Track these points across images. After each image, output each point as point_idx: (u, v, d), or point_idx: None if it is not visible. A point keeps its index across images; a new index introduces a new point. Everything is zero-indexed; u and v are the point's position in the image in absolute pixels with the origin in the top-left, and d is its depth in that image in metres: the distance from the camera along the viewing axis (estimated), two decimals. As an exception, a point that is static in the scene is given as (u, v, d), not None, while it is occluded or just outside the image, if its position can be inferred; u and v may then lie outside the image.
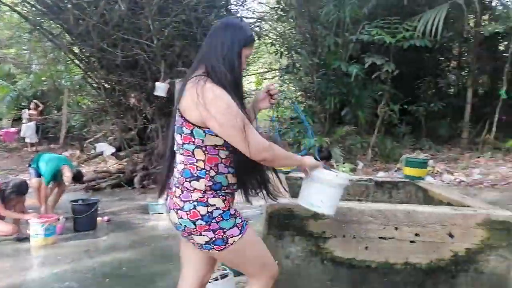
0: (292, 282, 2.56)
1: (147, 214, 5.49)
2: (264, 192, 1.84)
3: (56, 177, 4.90)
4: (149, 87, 7.28)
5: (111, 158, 8.07)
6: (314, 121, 8.68)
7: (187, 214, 1.54)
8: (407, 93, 9.44)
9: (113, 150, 7.48)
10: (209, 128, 1.54)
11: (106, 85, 8.09)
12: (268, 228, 2.56)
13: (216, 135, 1.55)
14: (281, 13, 7.94)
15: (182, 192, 1.57)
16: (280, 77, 8.58)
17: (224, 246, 1.59)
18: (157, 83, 6.87)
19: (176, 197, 1.58)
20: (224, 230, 1.58)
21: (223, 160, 1.61)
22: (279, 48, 8.69)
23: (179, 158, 1.62)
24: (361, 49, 7.75)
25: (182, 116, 1.56)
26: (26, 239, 4.19)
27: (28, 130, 8.55)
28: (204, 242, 1.58)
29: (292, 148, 8.11)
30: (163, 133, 7.98)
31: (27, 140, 9.90)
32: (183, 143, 1.58)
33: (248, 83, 11.52)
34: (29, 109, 10.28)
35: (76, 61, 8.00)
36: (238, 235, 1.62)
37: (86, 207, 4.69)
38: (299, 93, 9.85)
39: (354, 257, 2.49)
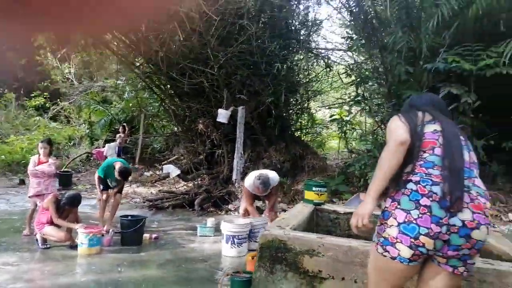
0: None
1: (195, 236, 5.58)
2: None
3: (108, 174, 5.28)
4: (215, 114, 7.56)
5: (178, 180, 8.45)
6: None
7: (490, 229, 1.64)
8: (497, 127, 8.36)
9: (178, 172, 7.83)
10: None
11: (178, 111, 8.60)
12: (259, 259, 2.39)
13: None
14: (351, 42, 7.74)
15: (491, 206, 1.62)
16: (350, 107, 8.25)
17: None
18: (219, 110, 7.11)
19: (487, 209, 1.60)
20: None
21: None
22: (354, 78, 8.43)
23: (476, 172, 1.71)
24: (437, 78, 7.13)
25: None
26: (77, 247, 4.52)
27: (109, 149, 9.43)
28: (474, 263, 1.68)
29: (358, 181, 7.67)
30: (228, 159, 8.17)
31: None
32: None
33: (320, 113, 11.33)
34: (118, 132, 11.40)
35: (155, 89, 8.67)
36: None
37: (133, 223, 4.92)
38: (369, 124, 9.36)
39: (352, 305, 2.22)
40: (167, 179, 9.24)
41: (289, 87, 7.45)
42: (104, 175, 5.49)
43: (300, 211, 3.35)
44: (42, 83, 13.84)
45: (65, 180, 9.40)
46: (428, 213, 1.57)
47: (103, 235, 4.75)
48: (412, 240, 1.58)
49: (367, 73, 8.16)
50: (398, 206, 1.63)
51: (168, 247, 4.97)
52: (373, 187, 1.71)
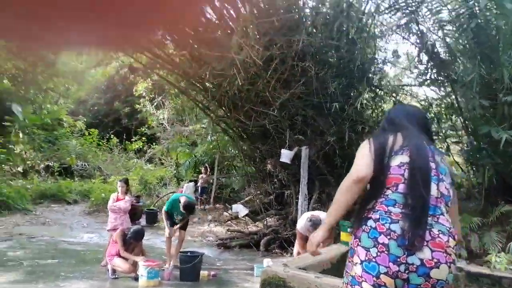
0: None
1: (252, 276, 5.68)
2: None
3: (174, 208, 5.65)
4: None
5: (242, 220, 8.71)
6: (467, 197, 7.42)
7: (454, 268, 1.57)
8: None
9: (246, 211, 8.09)
10: None
11: (249, 152, 9.01)
12: (261, 297, 2.46)
13: None
14: (420, 77, 7.44)
15: (456, 244, 1.56)
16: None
17: None
18: (282, 150, 7.30)
19: (450, 247, 1.54)
20: None
21: None
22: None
23: (444, 208, 1.64)
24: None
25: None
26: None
27: (187, 189, 10.12)
28: None
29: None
30: (296, 200, 8.23)
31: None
32: (451, 200, 1.71)
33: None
34: (201, 172, 12.24)
35: (229, 131, 9.26)
36: None
37: (190, 259, 5.23)
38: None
39: None
40: (243, 218, 9.57)
41: (353, 126, 7.37)
42: (170, 209, 5.93)
43: (328, 251, 3.31)
44: (141, 128, 15.59)
45: (152, 217, 10.25)
46: (386, 252, 1.54)
47: (163, 269, 5.13)
48: (374, 279, 1.56)
49: (439, 109, 7.72)
50: (359, 244, 1.63)
51: (222, 285, 5.16)
52: (327, 219, 1.74)
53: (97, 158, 14.63)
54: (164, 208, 6.13)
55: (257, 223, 8.79)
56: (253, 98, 7.43)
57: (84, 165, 14.17)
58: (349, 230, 3.56)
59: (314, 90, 7.15)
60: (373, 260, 1.56)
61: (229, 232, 8.39)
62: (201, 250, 6.86)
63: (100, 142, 15.67)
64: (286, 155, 7.23)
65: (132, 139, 16.14)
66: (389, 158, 1.71)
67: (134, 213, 9.97)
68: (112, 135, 16.38)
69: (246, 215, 8.32)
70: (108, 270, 5.19)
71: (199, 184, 12.10)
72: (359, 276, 1.61)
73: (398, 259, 1.52)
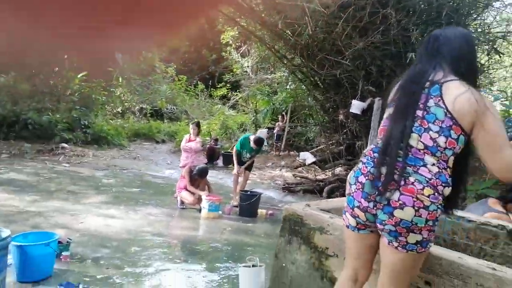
0: (291, 290, 2.58)
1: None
2: (456, 205, 1.86)
3: (244, 146, 6.13)
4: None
5: (312, 167, 8.84)
6: None
7: (428, 214, 1.56)
8: None
9: (313, 159, 8.21)
10: (469, 136, 1.62)
11: (323, 102, 8.94)
12: (281, 230, 2.65)
13: (465, 144, 1.64)
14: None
15: (434, 193, 1.57)
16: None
17: (424, 249, 1.64)
18: (353, 101, 7.13)
19: (423, 195, 1.56)
20: (434, 233, 1.65)
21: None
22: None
23: (429, 159, 1.60)
24: None
25: (452, 118, 1.60)
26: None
27: (260, 134, 10.51)
28: (414, 242, 1.60)
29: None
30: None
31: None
32: (446, 147, 1.61)
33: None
34: (277, 120, 12.51)
35: (305, 80, 9.23)
36: (432, 242, 1.70)
37: (249, 197, 5.63)
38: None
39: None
40: (313, 166, 9.75)
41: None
42: (240, 148, 6.34)
43: None
44: (226, 75, 16.16)
45: (228, 159, 10.92)
46: (361, 189, 1.68)
47: (222, 203, 5.61)
48: (351, 210, 1.74)
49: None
50: (349, 180, 1.79)
51: (276, 223, 5.48)
52: None
53: (185, 103, 15.70)
54: (235, 147, 6.58)
55: (326, 171, 8.89)
56: (328, 47, 7.24)
57: (173, 108, 15.33)
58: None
59: (392, 38, 6.72)
60: (352, 194, 1.73)
61: (297, 178, 8.64)
62: (267, 192, 7.29)
63: (188, 88, 16.69)
64: (356, 106, 7.06)
65: (217, 86, 16.86)
66: (387, 108, 1.80)
67: (212, 154, 10.76)
68: (199, 81, 17.28)
69: (314, 163, 8.46)
70: (177, 201, 5.83)
71: (275, 131, 12.44)
72: (345, 206, 1.80)
73: (369, 197, 1.65)
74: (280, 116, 12.35)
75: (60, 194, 5.92)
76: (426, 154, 1.62)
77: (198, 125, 6.72)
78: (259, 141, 6.10)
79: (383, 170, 1.63)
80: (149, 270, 3.40)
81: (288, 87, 12.65)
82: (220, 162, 10.74)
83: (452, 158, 1.65)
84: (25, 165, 8.28)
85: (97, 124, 11.64)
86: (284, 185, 8.33)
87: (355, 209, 1.71)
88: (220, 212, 5.51)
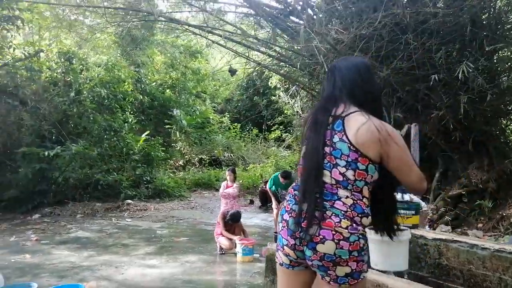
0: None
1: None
2: (390, 229, 1.93)
3: (277, 185, 6.38)
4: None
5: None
6: None
7: (350, 245, 1.62)
8: None
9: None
10: (380, 164, 1.70)
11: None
12: (265, 271, 2.73)
13: (378, 172, 1.72)
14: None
15: (351, 224, 1.63)
16: None
17: (356, 281, 1.67)
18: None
19: (341, 227, 1.62)
20: (364, 263, 1.69)
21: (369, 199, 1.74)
22: None
23: (343, 192, 1.67)
24: None
25: (357, 151, 1.67)
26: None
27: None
28: (343, 274, 1.64)
29: None
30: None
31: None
32: (356, 179, 1.67)
33: None
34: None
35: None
36: (365, 272, 1.73)
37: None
38: None
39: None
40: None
41: (471, 96, 6.49)
42: (274, 187, 6.60)
43: None
44: (278, 118, 16.57)
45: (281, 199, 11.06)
46: (286, 227, 1.75)
47: (257, 246, 5.71)
48: (281, 249, 1.79)
49: None
50: (276, 219, 1.90)
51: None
52: None
53: (241, 149, 16.29)
54: (268, 187, 6.79)
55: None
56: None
57: (230, 155, 15.97)
58: (399, 212, 3.47)
59: (416, 62, 6.60)
60: (280, 233, 1.80)
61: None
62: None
63: (241, 134, 17.37)
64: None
65: (271, 129, 17.31)
66: (302, 146, 1.88)
67: (264, 197, 10.94)
68: (252, 127, 17.91)
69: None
70: (217, 247, 6.06)
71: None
72: (277, 244, 1.86)
73: (294, 234, 1.71)
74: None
75: (114, 248, 6.47)
76: (338, 188, 1.69)
77: (233, 171, 7.02)
78: (285, 175, 6.48)
79: (304, 207, 1.70)
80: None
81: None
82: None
83: (366, 188, 1.69)
84: (93, 223, 9.15)
85: (159, 178, 12.53)
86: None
87: (285, 247, 1.75)
88: (257, 254, 5.61)
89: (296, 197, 1.77)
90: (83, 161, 11.14)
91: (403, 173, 1.72)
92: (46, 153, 10.32)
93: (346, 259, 1.62)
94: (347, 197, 1.67)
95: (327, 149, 1.72)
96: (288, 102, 16.69)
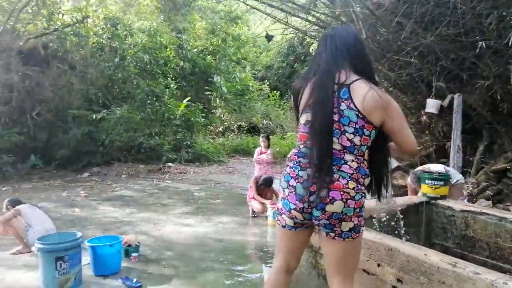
0: None
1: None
2: (381, 190, 2.06)
3: None
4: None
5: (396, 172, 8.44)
6: None
7: (355, 203, 1.78)
8: None
9: (397, 164, 7.87)
10: (379, 129, 1.85)
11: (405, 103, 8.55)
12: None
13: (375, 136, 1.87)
14: None
15: (357, 185, 1.78)
16: None
17: (358, 234, 1.85)
18: (427, 100, 6.76)
19: (349, 188, 1.76)
20: (363, 218, 1.88)
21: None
22: None
23: (349, 157, 1.80)
24: None
25: (364, 118, 1.80)
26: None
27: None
28: (347, 229, 1.81)
29: None
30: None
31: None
32: (361, 144, 1.82)
33: None
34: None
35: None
36: (363, 227, 1.91)
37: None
38: None
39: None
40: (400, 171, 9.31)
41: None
42: None
43: (405, 201, 3.35)
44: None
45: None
46: (293, 192, 1.85)
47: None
48: (288, 213, 1.90)
49: None
50: (280, 184, 1.99)
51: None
52: None
53: (279, 117, 16.30)
54: None
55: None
56: (395, 47, 7.02)
57: (268, 123, 16.05)
58: (427, 182, 3.45)
59: (464, 29, 6.22)
60: (286, 198, 1.90)
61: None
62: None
63: (280, 102, 17.30)
64: (431, 105, 6.69)
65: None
66: (300, 115, 1.96)
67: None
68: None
69: (399, 167, 8.09)
70: (250, 210, 6.27)
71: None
72: (280, 208, 1.97)
73: (303, 198, 1.82)
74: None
75: (153, 207, 6.87)
76: (345, 153, 1.82)
77: (268, 137, 7.12)
78: None
79: (309, 172, 1.81)
80: (200, 269, 3.86)
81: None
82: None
83: (366, 151, 1.88)
84: (136, 183, 9.69)
85: (198, 143, 12.90)
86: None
87: (292, 211, 1.87)
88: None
89: (301, 163, 1.86)
90: (127, 125, 11.64)
91: (402, 134, 1.85)
92: (94, 116, 10.91)
93: (350, 216, 1.79)
94: (352, 160, 1.80)
95: (335, 117, 1.80)
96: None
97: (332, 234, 1.83)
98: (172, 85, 13.04)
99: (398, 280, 2.04)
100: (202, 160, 12.43)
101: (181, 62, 13.86)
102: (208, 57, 15.79)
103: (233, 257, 4.23)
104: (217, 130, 15.99)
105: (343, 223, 1.79)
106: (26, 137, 10.86)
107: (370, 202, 2.48)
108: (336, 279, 1.87)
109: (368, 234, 2.29)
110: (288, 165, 1.94)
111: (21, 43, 10.67)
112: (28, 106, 10.87)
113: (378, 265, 2.16)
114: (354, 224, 1.81)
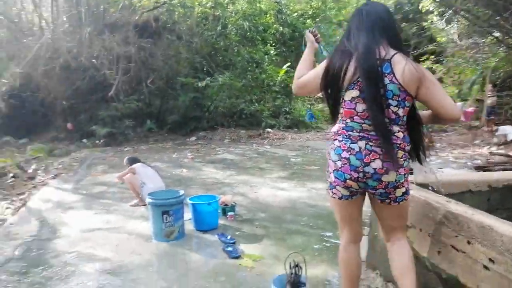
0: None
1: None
2: (420, 155, 2.16)
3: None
4: None
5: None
6: None
7: (404, 170, 1.93)
8: None
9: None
10: (414, 100, 1.95)
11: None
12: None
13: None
14: None
15: (404, 153, 1.93)
16: None
17: (409, 196, 2.04)
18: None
19: (399, 158, 1.90)
20: (409, 181, 2.05)
21: None
22: None
23: (396, 128, 1.90)
24: None
25: (405, 91, 1.87)
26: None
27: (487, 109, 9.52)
28: (401, 194, 1.97)
29: None
30: None
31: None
32: (404, 115, 1.93)
33: None
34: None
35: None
36: (410, 189, 2.09)
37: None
38: None
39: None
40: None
41: None
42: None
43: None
44: (427, 47, 14.91)
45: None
46: (347, 164, 1.95)
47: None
48: (343, 183, 2.00)
49: None
50: (329, 158, 2.05)
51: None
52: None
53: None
54: None
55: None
56: None
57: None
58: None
59: None
60: (340, 169, 1.98)
61: (495, 156, 7.55)
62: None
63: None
64: None
65: (419, 59, 15.74)
66: (345, 91, 1.96)
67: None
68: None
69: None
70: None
71: (486, 104, 10.89)
72: (333, 181, 2.04)
73: (357, 169, 1.93)
74: (490, 86, 10.73)
75: (251, 170, 7.23)
76: (392, 125, 1.91)
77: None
78: None
79: (361, 144, 1.91)
80: (290, 231, 4.03)
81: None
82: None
83: (406, 121, 1.97)
84: (237, 147, 10.24)
85: (297, 110, 12.97)
86: (477, 165, 7.40)
87: (348, 181, 1.97)
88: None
89: (351, 136, 1.93)
90: (229, 92, 12.20)
91: (442, 102, 1.92)
92: (199, 84, 11.65)
93: (402, 182, 1.95)
94: (398, 131, 1.92)
95: (381, 91, 1.87)
96: (443, 28, 14.83)
97: (388, 201, 2.00)
98: (271, 51, 13.15)
99: (490, 260, 1.89)
100: (300, 126, 12.53)
101: (281, 27, 13.82)
102: (308, 20, 15.45)
103: (323, 222, 4.29)
104: (316, 96, 15.80)
105: (397, 190, 1.95)
106: (142, 104, 12.13)
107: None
108: (394, 233, 2.10)
109: (458, 208, 2.15)
110: (336, 139, 2.01)
111: (136, 17, 11.72)
112: (143, 75, 12.04)
113: (468, 242, 2.02)
114: (406, 189, 1.99)
